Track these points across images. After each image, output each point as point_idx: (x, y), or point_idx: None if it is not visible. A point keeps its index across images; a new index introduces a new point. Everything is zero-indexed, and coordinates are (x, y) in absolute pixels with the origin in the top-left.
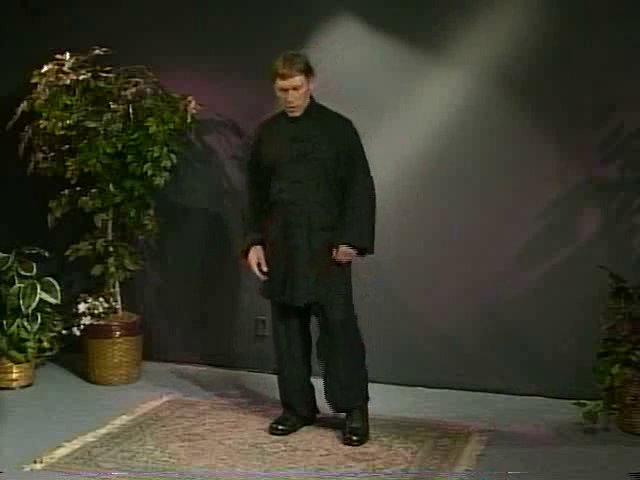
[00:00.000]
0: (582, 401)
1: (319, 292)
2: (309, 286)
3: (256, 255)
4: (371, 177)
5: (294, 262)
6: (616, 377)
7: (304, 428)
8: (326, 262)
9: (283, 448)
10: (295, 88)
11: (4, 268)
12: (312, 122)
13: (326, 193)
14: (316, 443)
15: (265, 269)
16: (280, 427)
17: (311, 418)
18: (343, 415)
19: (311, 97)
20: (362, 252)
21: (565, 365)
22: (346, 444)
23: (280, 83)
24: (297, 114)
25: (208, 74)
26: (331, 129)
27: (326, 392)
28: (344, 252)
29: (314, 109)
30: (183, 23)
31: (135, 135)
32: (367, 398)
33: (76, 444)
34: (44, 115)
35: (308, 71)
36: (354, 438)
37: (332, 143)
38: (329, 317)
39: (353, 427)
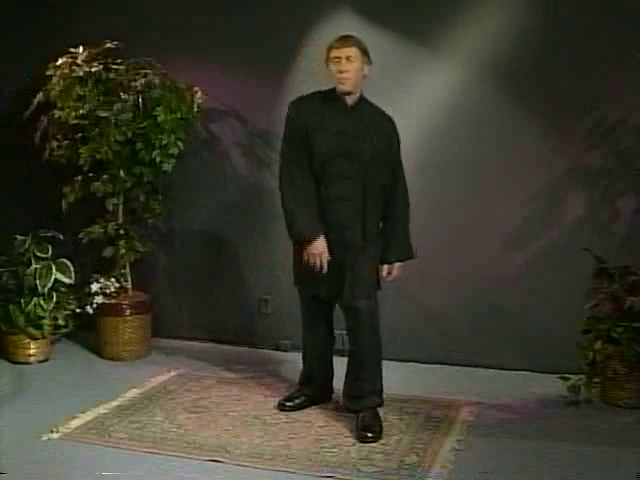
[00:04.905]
0: (566, 375)
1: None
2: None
3: (324, 246)
4: (405, 181)
5: (344, 262)
6: (598, 353)
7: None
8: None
9: (284, 420)
10: (348, 58)
11: (22, 250)
12: (359, 116)
13: (374, 192)
14: (315, 415)
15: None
16: (288, 404)
17: (323, 398)
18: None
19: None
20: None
21: (550, 341)
22: (361, 441)
23: (334, 52)
24: (347, 89)
25: (213, 67)
26: (376, 127)
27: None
28: (399, 268)
29: (364, 103)
30: (189, 19)
31: (144, 124)
32: (381, 398)
33: (90, 415)
34: (59, 105)
35: (364, 51)
36: (369, 435)
37: (374, 141)
38: (349, 303)
39: (367, 423)
